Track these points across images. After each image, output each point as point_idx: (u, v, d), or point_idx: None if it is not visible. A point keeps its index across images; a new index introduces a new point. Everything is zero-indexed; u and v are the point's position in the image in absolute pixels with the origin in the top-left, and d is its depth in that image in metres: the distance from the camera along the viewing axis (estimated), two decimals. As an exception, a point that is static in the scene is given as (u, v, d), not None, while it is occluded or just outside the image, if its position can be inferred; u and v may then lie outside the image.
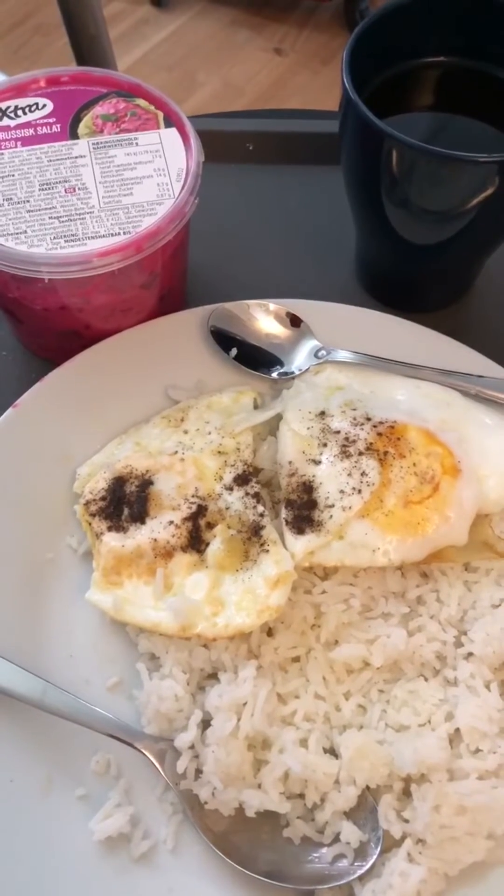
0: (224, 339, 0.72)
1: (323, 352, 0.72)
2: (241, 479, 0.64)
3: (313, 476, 0.63)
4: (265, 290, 0.75)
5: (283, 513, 0.63)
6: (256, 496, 0.64)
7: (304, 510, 0.62)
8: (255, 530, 0.62)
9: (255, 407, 0.70)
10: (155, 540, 0.62)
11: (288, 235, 0.84)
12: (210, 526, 0.63)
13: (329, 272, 0.81)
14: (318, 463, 0.64)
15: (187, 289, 0.79)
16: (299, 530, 0.62)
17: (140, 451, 0.67)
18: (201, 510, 0.63)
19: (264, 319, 0.73)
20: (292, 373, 0.72)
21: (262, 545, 0.61)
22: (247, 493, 0.64)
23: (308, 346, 0.72)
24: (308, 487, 0.63)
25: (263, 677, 0.59)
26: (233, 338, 0.72)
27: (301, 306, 0.74)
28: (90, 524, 0.64)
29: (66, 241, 0.63)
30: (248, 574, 0.61)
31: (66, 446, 0.69)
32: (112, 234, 0.64)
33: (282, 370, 0.72)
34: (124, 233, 0.64)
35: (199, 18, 3.12)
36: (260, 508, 0.63)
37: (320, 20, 3.05)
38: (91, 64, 1.21)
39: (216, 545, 0.61)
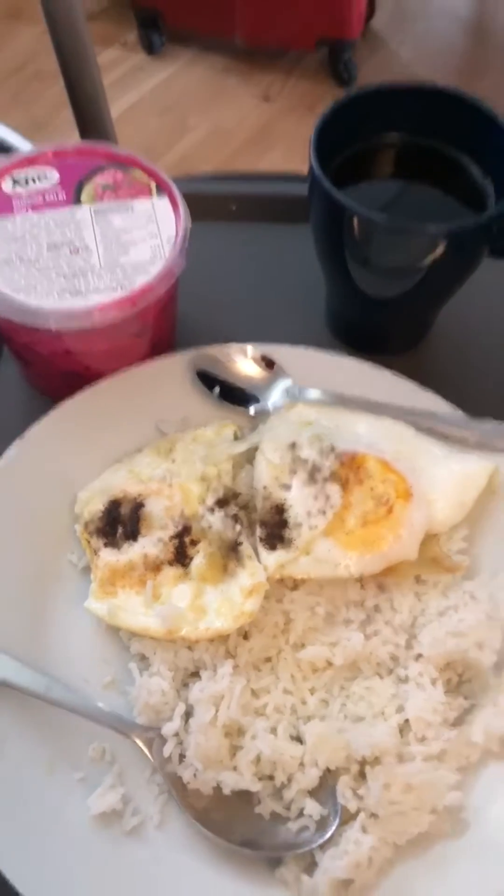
0: (208, 380, 0.82)
1: (295, 390, 0.82)
2: (222, 502, 0.74)
3: (284, 499, 0.73)
4: (245, 336, 0.85)
5: (258, 531, 0.72)
6: (235, 517, 0.73)
7: (276, 529, 0.72)
8: (234, 547, 0.71)
9: (236, 438, 0.80)
10: (146, 555, 0.71)
11: (266, 287, 0.94)
12: (194, 543, 0.72)
13: (302, 319, 0.91)
14: (288, 488, 0.73)
15: (177, 334, 0.89)
16: (272, 546, 0.71)
17: (133, 477, 0.76)
18: (186, 530, 0.72)
19: (243, 362, 0.83)
20: (268, 409, 0.81)
21: (239, 560, 0.70)
22: (227, 515, 0.73)
23: (282, 385, 0.82)
24: (280, 509, 0.72)
25: (239, 675, 0.68)
26: (215, 378, 0.82)
27: (276, 350, 0.84)
28: (89, 542, 0.73)
29: (70, 296, 0.73)
30: (227, 585, 0.70)
31: (68, 473, 0.78)
32: (111, 290, 0.74)
33: (259, 406, 0.82)
34: (121, 288, 0.74)
35: (190, 66, 3.27)
36: (238, 528, 0.72)
37: (306, 69, 3.21)
38: (85, 113, 1.32)
39: (199, 560, 0.71)
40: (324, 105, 0.78)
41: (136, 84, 3.19)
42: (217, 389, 0.82)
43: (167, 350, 0.85)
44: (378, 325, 0.89)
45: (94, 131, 1.34)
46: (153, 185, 0.81)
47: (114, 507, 0.74)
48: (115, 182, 0.81)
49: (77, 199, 0.79)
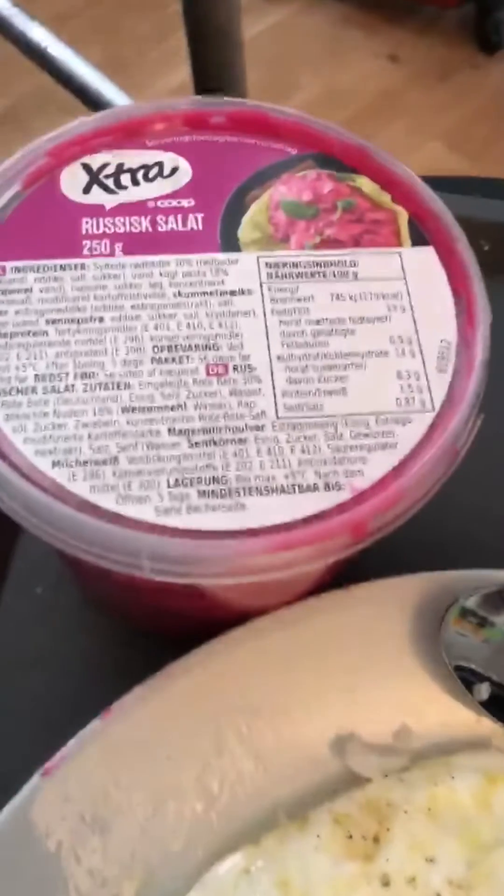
0: (465, 665, 0.37)
1: None
2: None
3: None
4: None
5: None
6: None
7: None
8: None
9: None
10: None
11: None
12: None
13: None
14: None
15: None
16: None
17: (290, 908, 0.32)
18: None
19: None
20: None
21: None
22: None
23: None
24: None
25: None
26: (479, 672, 0.37)
27: None
28: None
29: (200, 495, 0.29)
30: None
31: (136, 847, 0.34)
32: (300, 488, 0.29)
33: None
34: (328, 487, 0.29)
35: (305, 12, 2.76)
36: None
37: (444, 28, 2.68)
38: (206, 47, 0.86)
39: None
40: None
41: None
42: (484, 690, 0.37)
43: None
44: None
45: (215, 77, 0.89)
46: (402, 215, 0.35)
47: None
48: (316, 200, 0.35)
49: (229, 237, 0.34)
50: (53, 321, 0.31)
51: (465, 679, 0.37)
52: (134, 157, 0.35)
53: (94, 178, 0.35)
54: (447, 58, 2.61)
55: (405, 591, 0.38)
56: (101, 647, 0.40)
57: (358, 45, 2.64)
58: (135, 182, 0.35)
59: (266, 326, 0.32)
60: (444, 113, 2.53)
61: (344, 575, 0.39)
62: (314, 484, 0.29)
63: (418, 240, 0.34)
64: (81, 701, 0.36)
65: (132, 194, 0.35)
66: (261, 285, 0.33)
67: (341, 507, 0.29)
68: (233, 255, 0.33)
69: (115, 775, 0.35)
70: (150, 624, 0.39)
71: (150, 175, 0.35)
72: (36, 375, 0.30)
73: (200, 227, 0.34)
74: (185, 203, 0.35)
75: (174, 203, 0.35)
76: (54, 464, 0.29)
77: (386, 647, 0.38)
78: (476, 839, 0.34)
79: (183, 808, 0.35)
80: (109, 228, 0.34)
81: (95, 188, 0.35)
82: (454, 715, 0.38)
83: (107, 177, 0.35)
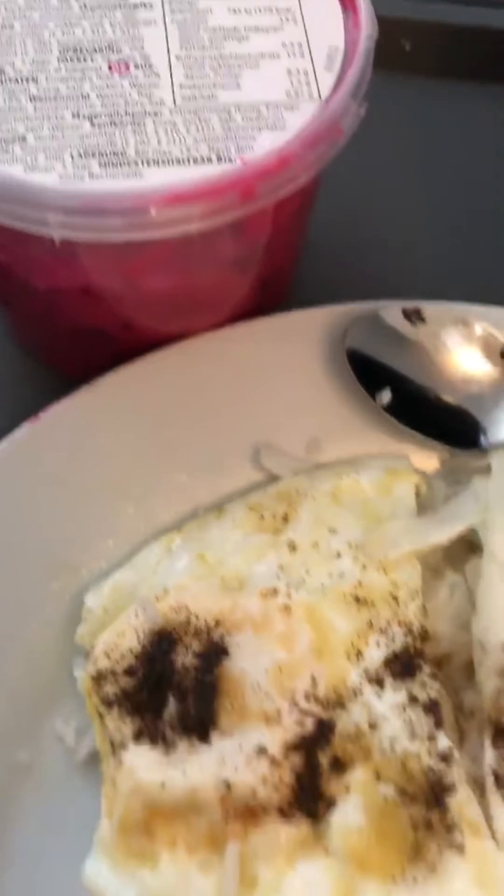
0: (367, 371, 0.40)
1: (544, 410, 0.40)
2: (403, 666, 0.33)
3: (548, 678, 0.32)
4: (440, 288, 0.43)
5: (488, 756, 0.31)
6: (432, 708, 0.32)
7: (529, 751, 0.31)
8: (435, 793, 0.30)
9: (418, 500, 0.39)
10: (228, 784, 0.31)
11: (471, 192, 0.51)
12: (339, 765, 0.31)
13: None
14: None
15: (299, 272, 0.46)
16: (522, 797, 0.30)
17: (206, 572, 0.36)
18: (323, 729, 0.32)
19: (448, 340, 0.41)
20: (490, 445, 0.40)
21: (448, 829, 0.30)
22: (413, 700, 0.32)
23: (519, 396, 0.40)
24: (537, 702, 0.32)
25: None
26: (383, 369, 0.40)
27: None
28: (102, 718, 0.33)
29: (101, 165, 0.31)
30: (420, 890, 0.29)
31: (69, 543, 0.38)
32: (195, 160, 0.32)
33: (474, 437, 0.40)
34: (220, 158, 0.32)
35: None
36: (443, 743, 0.31)
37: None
38: None
39: (351, 814, 0.30)
40: None
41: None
42: (387, 394, 0.40)
43: (281, 299, 0.44)
44: None
45: None
46: None
47: (162, 646, 0.33)
48: None
49: (133, -43, 0.36)
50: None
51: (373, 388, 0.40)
52: None
53: None
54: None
55: (315, 319, 0.41)
56: (35, 394, 0.43)
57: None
58: None
59: (166, 32, 0.34)
60: None
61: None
62: (207, 156, 0.32)
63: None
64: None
65: None
66: (162, 1, 0.35)
67: (232, 173, 0.31)
68: (136, -28, 0.36)
69: (42, 478, 0.38)
70: (78, 362, 0.42)
71: None
72: (-50, 72, 0.33)
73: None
74: None
75: None
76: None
77: (298, 369, 0.41)
78: (374, 514, 0.37)
79: (112, 508, 0.39)
80: None
81: None
82: (362, 433, 0.41)
83: None
